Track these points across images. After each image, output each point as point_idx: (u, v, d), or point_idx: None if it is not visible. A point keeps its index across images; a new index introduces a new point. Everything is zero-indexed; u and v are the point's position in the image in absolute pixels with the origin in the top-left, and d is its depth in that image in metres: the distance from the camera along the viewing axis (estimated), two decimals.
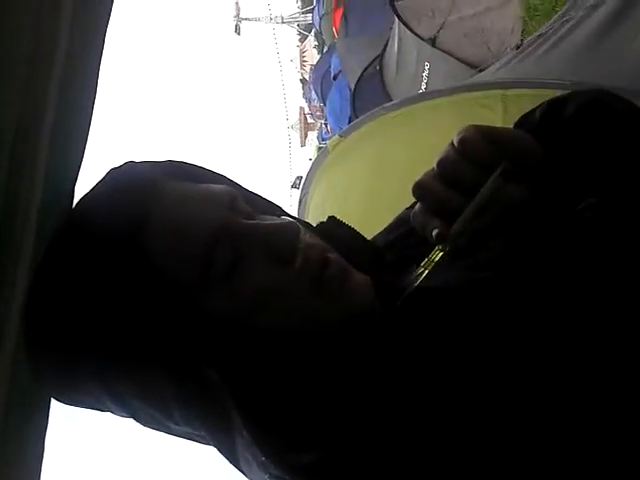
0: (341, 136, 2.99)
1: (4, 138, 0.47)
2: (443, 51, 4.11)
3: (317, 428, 0.48)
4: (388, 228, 0.70)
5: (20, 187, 0.49)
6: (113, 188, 0.54)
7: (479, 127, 0.50)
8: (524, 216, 0.50)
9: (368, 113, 2.87)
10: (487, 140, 0.49)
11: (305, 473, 0.47)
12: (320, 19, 10.80)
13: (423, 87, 4.17)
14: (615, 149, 0.55)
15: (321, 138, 14.62)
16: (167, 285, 0.50)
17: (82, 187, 0.56)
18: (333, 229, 0.62)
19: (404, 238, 0.64)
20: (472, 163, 0.49)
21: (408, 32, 4.30)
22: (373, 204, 2.36)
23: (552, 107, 0.60)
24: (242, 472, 0.53)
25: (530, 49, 2.71)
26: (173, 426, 0.54)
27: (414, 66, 4.38)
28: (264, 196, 0.62)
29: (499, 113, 2.31)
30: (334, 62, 7.48)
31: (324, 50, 11.40)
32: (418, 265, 0.52)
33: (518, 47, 3.03)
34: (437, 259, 0.51)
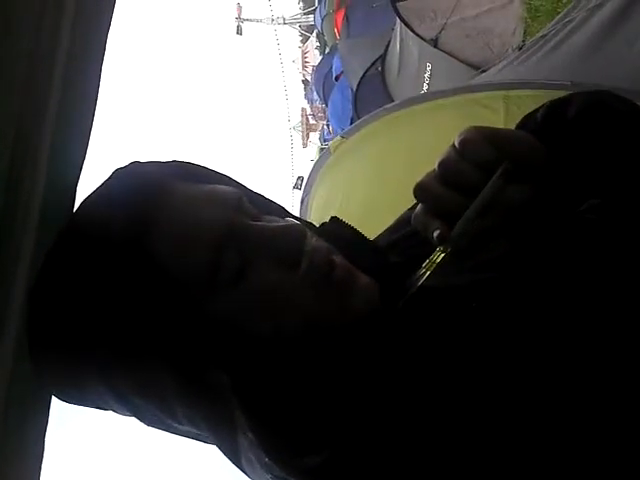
0: (343, 137, 3.00)
1: (4, 138, 0.47)
2: (445, 52, 4.11)
3: (322, 429, 0.48)
4: (390, 229, 0.70)
5: (21, 187, 0.49)
6: (119, 188, 0.54)
7: (480, 128, 0.50)
8: (526, 217, 0.50)
9: (370, 114, 2.88)
10: (488, 141, 0.49)
11: (309, 475, 0.47)
12: (322, 20, 10.82)
13: (425, 88, 4.17)
14: (617, 150, 0.55)
15: (323, 139, 14.65)
16: (173, 287, 0.50)
17: (83, 187, 0.56)
18: (336, 230, 0.62)
19: (406, 239, 0.64)
20: (473, 164, 0.49)
21: (410, 33, 4.30)
22: (374, 205, 2.36)
23: (554, 108, 0.59)
24: (245, 472, 0.53)
25: (532, 50, 2.72)
26: (176, 425, 0.54)
27: (416, 67, 4.39)
28: (268, 197, 0.62)
29: (501, 114, 2.31)
30: (336, 63, 7.50)
31: (326, 51, 11.41)
32: (420, 266, 0.52)
33: (520, 48, 3.04)
34: (438, 260, 0.51)
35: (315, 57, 17.80)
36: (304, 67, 19.89)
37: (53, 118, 0.51)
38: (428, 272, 0.51)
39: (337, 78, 7.53)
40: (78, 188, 0.57)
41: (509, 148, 0.49)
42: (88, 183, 0.56)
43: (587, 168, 0.53)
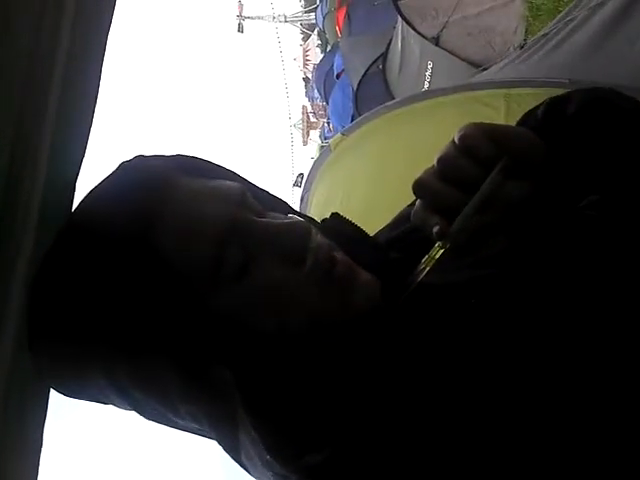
0: (343, 134, 2.99)
1: (4, 138, 0.47)
2: (446, 50, 4.10)
3: (323, 427, 0.48)
4: (390, 225, 0.70)
5: (21, 187, 0.49)
6: (125, 181, 0.54)
7: (480, 124, 0.50)
8: (525, 214, 0.50)
9: (370, 111, 2.88)
10: (488, 137, 0.49)
11: (310, 473, 0.47)
12: (323, 18, 10.82)
13: (426, 86, 4.16)
14: (617, 146, 0.55)
15: (323, 137, 14.62)
16: (177, 281, 0.50)
17: (83, 187, 0.56)
18: (337, 226, 0.62)
19: (406, 235, 0.64)
20: (472, 160, 0.49)
21: (411, 31, 4.29)
22: (375, 202, 2.36)
23: (555, 104, 0.59)
24: (245, 469, 0.53)
25: (533, 49, 2.71)
26: (177, 420, 0.55)
27: (417, 65, 4.38)
28: (272, 192, 0.62)
29: (502, 112, 2.31)
30: (337, 61, 7.49)
31: (327, 49, 11.41)
32: (419, 262, 0.52)
33: (522, 47, 3.03)
34: (438, 256, 0.51)
35: (316, 55, 17.77)
36: (305, 65, 19.87)
37: (53, 118, 0.51)
38: (428, 268, 0.51)
39: (338, 76, 7.52)
40: (77, 188, 0.57)
41: (508, 144, 0.49)
42: (88, 183, 0.56)
43: (587, 165, 0.53)
